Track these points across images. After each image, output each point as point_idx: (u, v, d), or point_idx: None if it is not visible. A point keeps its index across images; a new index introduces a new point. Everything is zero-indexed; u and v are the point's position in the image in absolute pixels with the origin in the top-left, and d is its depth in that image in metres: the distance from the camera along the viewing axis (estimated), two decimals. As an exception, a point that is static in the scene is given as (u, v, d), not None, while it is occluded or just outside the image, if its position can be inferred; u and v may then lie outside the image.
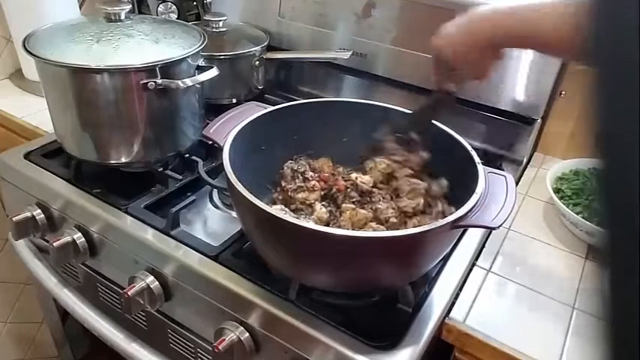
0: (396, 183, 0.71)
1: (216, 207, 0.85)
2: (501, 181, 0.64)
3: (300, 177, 0.72)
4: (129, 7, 0.85)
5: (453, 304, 0.66)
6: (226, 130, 0.68)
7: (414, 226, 0.64)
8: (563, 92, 0.93)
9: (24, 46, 0.78)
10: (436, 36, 0.64)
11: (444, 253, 0.64)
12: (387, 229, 0.65)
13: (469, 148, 0.66)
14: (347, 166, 0.77)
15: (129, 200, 0.80)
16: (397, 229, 0.64)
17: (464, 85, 0.68)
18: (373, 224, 0.66)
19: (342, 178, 0.73)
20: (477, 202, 0.57)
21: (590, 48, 0.19)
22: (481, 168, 0.63)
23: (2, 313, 1.41)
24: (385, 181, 0.72)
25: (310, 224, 0.54)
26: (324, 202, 0.70)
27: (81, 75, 0.76)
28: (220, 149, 0.64)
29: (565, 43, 0.54)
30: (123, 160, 0.84)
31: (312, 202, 0.70)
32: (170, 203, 0.78)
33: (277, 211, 0.56)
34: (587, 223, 0.74)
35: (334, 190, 0.71)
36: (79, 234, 0.81)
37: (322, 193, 0.71)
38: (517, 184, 0.89)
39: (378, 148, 0.73)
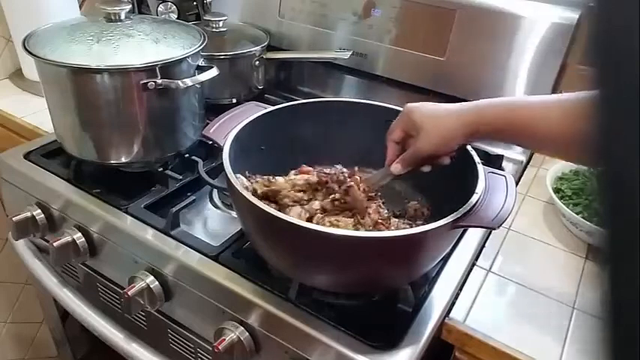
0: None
1: (216, 207, 0.85)
2: (501, 181, 0.64)
3: None
4: (129, 7, 0.85)
5: (453, 304, 0.66)
6: (226, 130, 0.68)
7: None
8: (562, 92, 0.93)
9: (24, 46, 0.78)
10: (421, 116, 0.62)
11: (444, 253, 0.64)
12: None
13: (469, 148, 0.66)
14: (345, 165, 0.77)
15: (129, 200, 0.80)
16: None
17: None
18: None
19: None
20: (476, 202, 0.57)
21: (589, 47, 0.19)
22: (481, 168, 0.63)
23: (2, 313, 1.41)
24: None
25: (310, 224, 0.54)
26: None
27: (81, 75, 0.76)
28: (220, 149, 0.64)
29: (566, 138, 0.54)
30: (123, 160, 0.84)
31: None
32: (170, 203, 0.78)
33: (277, 211, 0.56)
34: (587, 223, 0.74)
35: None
36: (79, 234, 0.81)
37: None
38: (517, 184, 0.89)
39: None
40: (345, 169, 0.68)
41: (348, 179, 0.66)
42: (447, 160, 0.65)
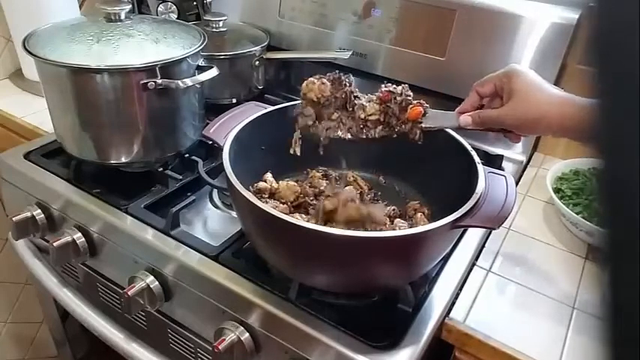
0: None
1: (216, 207, 0.85)
2: (501, 181, 0.64)
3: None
4: (129, 7, 0.85)
5: (453, 304, 0.66)
6: (226, 130, 0.69)
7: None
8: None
9: (24, 46, 0.78)
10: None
11: (444, 253, 0.64)
12: None
13: (469, 148, 0.66)
14: (345, 164, 0.77)
15: (129, 200, 0.80)
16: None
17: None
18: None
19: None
20: (476, 202, 0.57)
21: (589, 47, 0.19)
22: (481, 168, 0.63)
23: (2, 313, 1.41)
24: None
25: (310, 224, 0.54)
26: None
27: (81, 75, 0.76)
28: (220, 149, 0.64)
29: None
30: (123, 160, 0.84)
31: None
32: (170, 203, 0.78)
33: (277, 211, 0.56)
34: (587, 223, 0.74)
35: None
36: (79, 234, 0.81)
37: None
38: (517, 184, 0.89)
39: None
40: (411, 93, 0.64)
41: (410, 106, 0.63)
42: (519, 140, 0.61)
